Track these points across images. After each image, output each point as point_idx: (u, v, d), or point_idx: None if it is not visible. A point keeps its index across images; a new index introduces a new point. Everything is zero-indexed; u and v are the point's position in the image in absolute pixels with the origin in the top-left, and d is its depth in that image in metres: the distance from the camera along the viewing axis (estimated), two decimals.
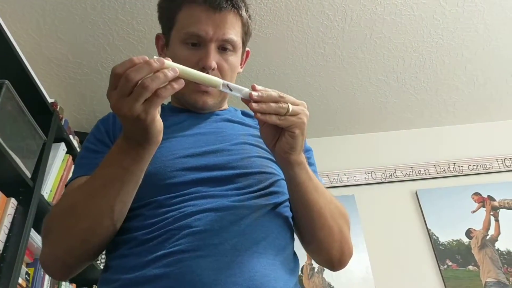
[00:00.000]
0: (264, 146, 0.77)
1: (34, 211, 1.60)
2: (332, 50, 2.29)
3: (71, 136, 2.11)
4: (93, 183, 0.68)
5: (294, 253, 0.80)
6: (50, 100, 1.92)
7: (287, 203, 0.81)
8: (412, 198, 2.61)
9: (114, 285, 0.68)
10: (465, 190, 2.59)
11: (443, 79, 2.53)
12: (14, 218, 1.53)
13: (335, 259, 0.81)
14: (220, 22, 0.83)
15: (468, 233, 2.46)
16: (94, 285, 2.14)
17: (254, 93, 0.64)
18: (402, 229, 2.49)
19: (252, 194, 0.75)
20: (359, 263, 2.38)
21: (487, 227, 2.47)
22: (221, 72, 0.85)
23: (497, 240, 2.43)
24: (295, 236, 0.83)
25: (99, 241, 0.71)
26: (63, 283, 1.93)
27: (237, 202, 0.73)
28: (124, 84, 0.57)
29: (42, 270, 1.67)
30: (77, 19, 2.00)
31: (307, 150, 0.90)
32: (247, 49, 0.96)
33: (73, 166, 1.88)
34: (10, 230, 1.50)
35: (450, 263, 2.37)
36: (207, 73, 0.79)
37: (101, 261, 2.10)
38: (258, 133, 0.73)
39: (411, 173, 2.69)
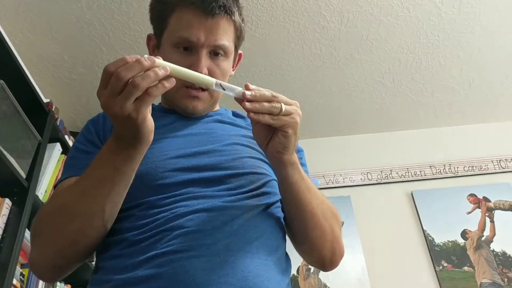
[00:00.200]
0: (256, 147, 0.77)
1: (28, 211, 1.59)
2: (328, 51, 2.29)
3: (66, 136, 2.10)
4: (83, 183, 0.68)
5: (286, 254, 0.80)
6: (45, 100, 1.91)
7: (279, 204, 0.81)
8: (408, 199, 2.61)
9: (106, 285, 0.68)
10: (461, 191, 2.59)
11: (439, 80, 2.53)
12: (8, 218, 1.52)
13: (326, 259, 0.81)
14: (213, 28, 0.82)
15: (464, 234, 2.46)
16: None
17: (248, 92, 0.64)
18: (398, 230, 2.49)
19: (244, 195, 0.75)
20: (354, 263, 2.38)
21: (482, 228, 2.48)
22: (212, 77, 0.85)
23: (492, 241, 2.43)
24: (287, 237, 0.82)
25: (90, 242, 0.71)
26: (58, 283, 1.92)
27: (229, 203, 0.72)
28: (114, 82, 0.57)
29: None
30: (73, 18, 2.00)
31: (299, 151, 0.91)
32: (239, 52, 0.96)
33: None
34: (5, 230, 1.49)
35: (445, 264, 2.37)
36: None
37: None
38: (250, 134, 0.73)
39: (406, 174, 2.69)
